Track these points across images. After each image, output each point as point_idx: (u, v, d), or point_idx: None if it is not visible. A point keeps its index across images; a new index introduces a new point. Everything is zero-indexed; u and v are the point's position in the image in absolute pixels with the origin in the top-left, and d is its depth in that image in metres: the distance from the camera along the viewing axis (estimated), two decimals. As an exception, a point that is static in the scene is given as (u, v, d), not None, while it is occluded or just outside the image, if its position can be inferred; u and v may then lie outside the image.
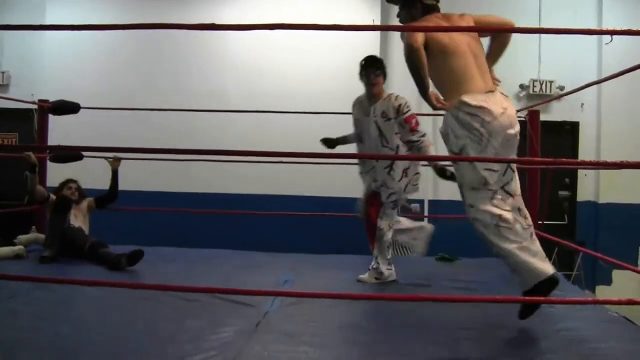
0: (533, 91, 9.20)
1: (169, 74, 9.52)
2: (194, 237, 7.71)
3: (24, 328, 3.87)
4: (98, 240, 6.19)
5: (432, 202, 9.03)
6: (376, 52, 9.19)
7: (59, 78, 9.43)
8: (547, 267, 3.95)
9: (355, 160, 5.95)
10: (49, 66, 9.68)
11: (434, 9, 4.41)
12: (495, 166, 3.96)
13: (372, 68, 5.34)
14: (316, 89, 8.62)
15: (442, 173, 5.08)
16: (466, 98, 3.96)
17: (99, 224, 6.86)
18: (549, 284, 3.90)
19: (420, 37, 4.04)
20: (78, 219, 6.49)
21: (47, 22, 9.26)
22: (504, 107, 4.02)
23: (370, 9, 9.25)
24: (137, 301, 4.48)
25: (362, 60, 5.45)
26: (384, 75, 5.40)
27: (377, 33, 9.17)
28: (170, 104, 8.17)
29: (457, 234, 8.24)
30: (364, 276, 5.40)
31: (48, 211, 6.45)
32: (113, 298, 4.53)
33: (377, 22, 9.06)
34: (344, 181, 7.84)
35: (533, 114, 6.66)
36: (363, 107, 5.43)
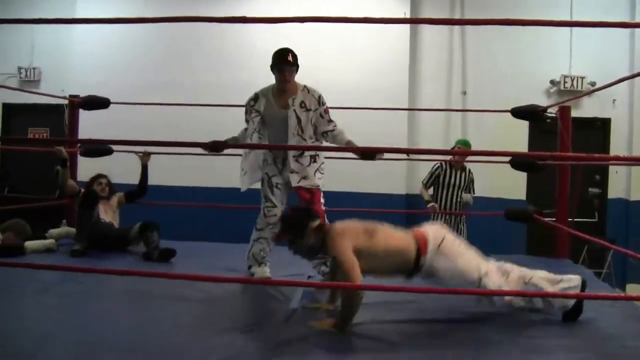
0: (564, 87, 9.13)
1: (198, 69, 9.59)
2: (220, 231, 7.73)
3: (54, 320, 3.91)
4: (151, 222, 6.30)
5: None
6: (406, 46, 9.23)
7: (88, 73, 9.53)
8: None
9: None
10: (79, 62, 9.78)
11: None
12: None
13: (290, 64, 5.18)
14: (345, 84, 8.61)
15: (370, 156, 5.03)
16: None
17: (127, 218, 6.91)
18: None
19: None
20: (108, 214, 6.53)
21: (78, 17, 9.34)
22: None
23: (399, 3, 9.23)
24: (165, 294, 4.51)
25: (279, 54, 5.23)
26: (297, 67, 5.28)
27: (407, 28, 9.16)
28: (199, 98, 8.19)
29: (487, 231, 8.26)
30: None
31: (76, 205, 6.51)
32: (142, 291, 4.55)
33: (408, 16, 9.06)
34: (363, 176, 7.87)
35: (564, 110, 6.59)
36: (269, 100, 5.25)
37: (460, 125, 9.29)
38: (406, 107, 9.03)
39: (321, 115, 5.20)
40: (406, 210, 8.29)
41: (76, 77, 9.57)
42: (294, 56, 5.19)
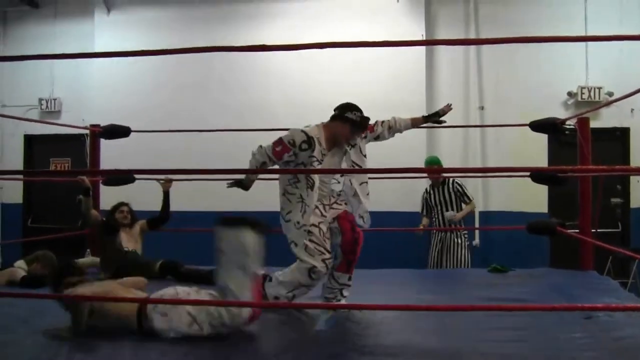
0: (581, 98, 9.09)
1: (215, 93, 9.67)
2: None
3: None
4: (172, 260, 6.36)
5: (482, 214, 8.95)
6: (422, 62, 9.26)
7: (108, 102, 9.64)
8: None
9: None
10: (99, 91, 9.89)
11: None
12: None
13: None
14: (362, 99, 8.46)
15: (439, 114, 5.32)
16: None
17: (151, 245, 6.95)
18: None
19: None
20: (130, 242, 6.56)
21: (96, 49, 9.47)
22: None
23: (415, 24, 9.29)
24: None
25: (365, 120, 4.93)
26: None
27: (423, 48, 9.21)
28: (218, 123, 8.24)
29: (509, 245, 8.24)
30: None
31: (97, 235, 6.56)
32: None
33: (424, 35, 9.12)
34: (385, 194, 7.89)
35: (583, 122, 6.58)
36: (322, 147, 4.82)
37: (479, 140, 9.28)
38: (423, 125, 9.02)
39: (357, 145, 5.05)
40: (428, 228, 8.28)
41: (96, 106, 9.68)
42: None
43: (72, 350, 3.87)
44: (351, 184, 4.99)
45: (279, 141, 4.73)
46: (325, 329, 4.39)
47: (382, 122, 5.24)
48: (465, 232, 7.63)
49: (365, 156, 5.04)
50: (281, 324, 4.55)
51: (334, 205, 4.98)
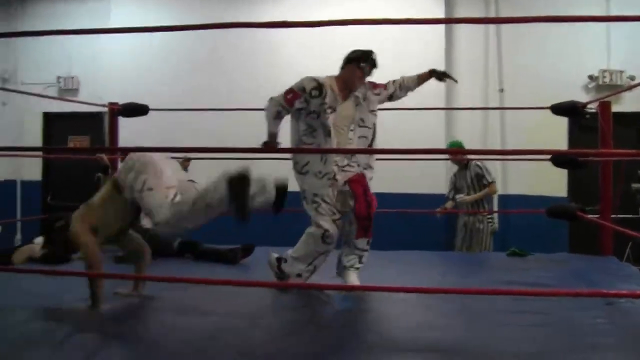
0: (602, 82, 9.01)
1: (233, 71, 9.65)
2: (267, 235, 7.74)
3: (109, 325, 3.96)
4: (192, 240, 6.39)
5: (501, 197, 8.90)
6: (441, 44, 9.20)
7: (126, 81, 9.64)
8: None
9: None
10: (116, 69, 9.90)
11: None
12: None
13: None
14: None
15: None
16: None
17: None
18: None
19: None
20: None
21: (112, 25, 9.44)
22: None
23: (434, 4, 9.21)
24: (215, 297, 4.55)
25: (374, 57, 5.03)
26: None
27: (442, 26, 9.13)
28: (235, 102, 8.23)
29: (528, 229, 8.19)
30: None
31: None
32: (187, 296, 4.59)
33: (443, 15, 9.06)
34: (404, 177, 7.86)
35: (604, 106, 6.51)
36: (335, 94, 4.85)
37: (498, 123, 9.22)
38: (443, 106, 9.00)
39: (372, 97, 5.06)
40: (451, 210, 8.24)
41: (114, 84, 9.67)
42: None
43: (95, 325, 3.89)
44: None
45: (290, 89, 4.74)
46: (343, 308, 4.38)
47: (394, 81, 5.19)
48: (490, 217, 7.61)
49: (375, 114, 5.02)
50: (299, 304, 4.55)
51: (346, 168, 4.91)
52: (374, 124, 5.01)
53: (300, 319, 4.18)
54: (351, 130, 4.97)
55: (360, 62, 4.88)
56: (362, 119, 4.96)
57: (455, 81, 5.45)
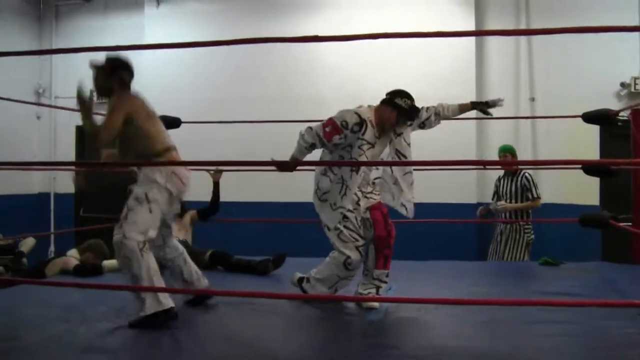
0: (635, 89, 8.91)
1: (264, 84, 9.69)
2: (294, 246, 7.78)
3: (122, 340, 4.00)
4: (222, 250, 6.44)
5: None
6: (472, 53, 9.18)
7: (158, 93, 9.69)
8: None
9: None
10: (149, 82, 9.97)
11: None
12: None
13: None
14: (413, 95, 8.55)
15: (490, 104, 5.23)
16: None
17: (201, 236, 7.02)
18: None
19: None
20: (180, 232, 6.63)
21: (146, 41, 9.55)
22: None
23: (464, 12, 9.20)
24: (241, 309, 4.58)
25: (415, 108, 4.89)
26: None
27: (473, 39, 9.12)
28: (269, 114, 8.28)
29: (560, 238, 8.12)
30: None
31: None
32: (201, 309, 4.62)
33: (474, 27, 9.02)
34: (434, 186, 7.84)
35: (636, 113, 6.46)
36: (373, 131, 4.75)
37: (530, 132, 9.16)
38: (474, 116, 8.95)
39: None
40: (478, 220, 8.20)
41: (147, 97, 9.75)
42: None
43: (125, 335, 3.94)
44: (392, 172, 4.89)
45: (330, 122, 4.62)
46: (372, 321, 4.38)
47: (428, 108, 5.10)
48: (528, 227, 7.39)
49: (409, 145, 4.92)
50: (326, 317, 4.56)
51: (369, 195, 4.89)
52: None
53: (330, 329, 4.20)
54: (375, 168, 5.05)
55: (400, 113, 4.80)
56: (404, 155, 4.87)
57: (500, 104, 5.37)
